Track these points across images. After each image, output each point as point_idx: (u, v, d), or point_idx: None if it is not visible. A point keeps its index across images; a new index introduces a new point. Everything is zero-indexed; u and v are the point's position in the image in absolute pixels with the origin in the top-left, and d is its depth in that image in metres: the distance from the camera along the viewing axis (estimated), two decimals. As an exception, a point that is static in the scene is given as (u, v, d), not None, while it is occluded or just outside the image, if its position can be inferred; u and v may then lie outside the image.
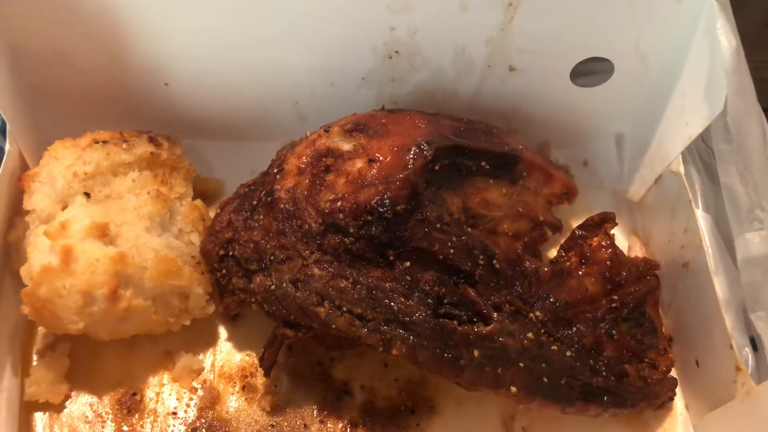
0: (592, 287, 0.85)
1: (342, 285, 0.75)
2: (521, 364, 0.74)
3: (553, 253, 0.94)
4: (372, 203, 0.77)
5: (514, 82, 0.94)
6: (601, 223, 0.89)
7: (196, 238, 0.84)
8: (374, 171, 0.79)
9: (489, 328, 0.74)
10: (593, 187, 1.01)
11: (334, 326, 0.75)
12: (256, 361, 0.85)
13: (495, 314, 0.76)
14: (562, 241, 0.90)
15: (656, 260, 0.91)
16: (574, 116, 1.00)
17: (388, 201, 0.77)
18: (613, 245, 0.87)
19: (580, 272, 0.86)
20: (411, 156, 0.80)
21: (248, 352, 0.86)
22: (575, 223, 0.98)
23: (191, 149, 0.96)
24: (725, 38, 0.76)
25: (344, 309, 0.75)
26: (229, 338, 0.87)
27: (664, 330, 0.89)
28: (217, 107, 0.96)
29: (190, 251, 0.83)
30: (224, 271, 0.82)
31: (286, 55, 0.90)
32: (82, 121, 0.92)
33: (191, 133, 0.97)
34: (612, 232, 0.89)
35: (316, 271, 0.76)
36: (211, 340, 0.86)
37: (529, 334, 0.75)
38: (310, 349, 0.85)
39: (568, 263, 0.87)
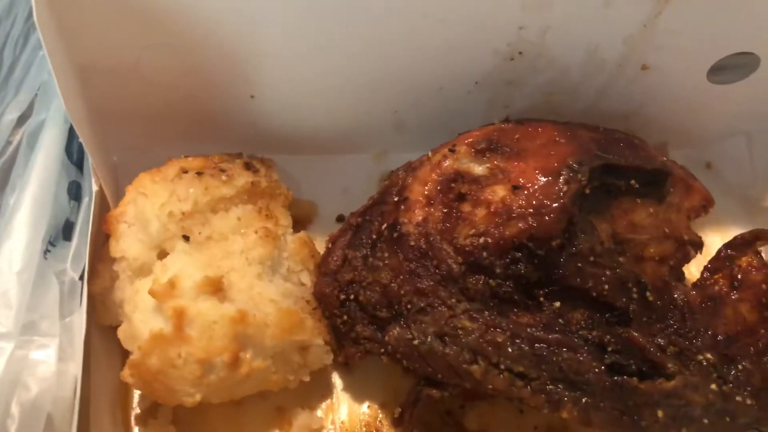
0: (749, 315, 0.75)
1: (499, 340, 0.65)
2: (705, 421, 0.65)
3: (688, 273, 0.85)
4: (523, 239, 0.67)
5: (643, 81, 0.83)
6: (753, 241, 0.80)
7: (306, 278, 0.74)
8: (521, 200, 0.68)
9: (673, 383, 0.65)
10: (719, 192, 0.90)
11: (490, 386, 0.65)
12: (380, 413, 0.75)
13: (670, 364, 0.67)
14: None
15: (806, 277, 0.82)
16: (701, 115, 0.89)
17: (541, 236, 0.67)
18: (766, 265, 0.78)
19: (733, 298, 0.77)
20: (562, 180, 0.69)
21: (369, 403, 0.76)
22: (704, 237, 0.88)
23: (277, 167, 0.85)
24: None
25: (502, 367, 0.65)
26: (346, 388, 0.77)
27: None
28: (307, 119, 0.85)
29: (303, 294, 0.73)
30: (346, 317, 0.71)
31: (393, 60, 0.78)
32: (157, 142, 0.81)
33: (274, 148, 0.86)
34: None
35: (466, 323, 0.66)
36: (326, 392, 0.76)
37: (713, 386, 0.66)
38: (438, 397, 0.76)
39: (716, 287, 0.77)
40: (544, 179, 0.69)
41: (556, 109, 0.86)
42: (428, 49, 0.77)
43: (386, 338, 0.68)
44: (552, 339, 0.65)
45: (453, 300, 0.67)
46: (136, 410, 0.72)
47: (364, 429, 0.74)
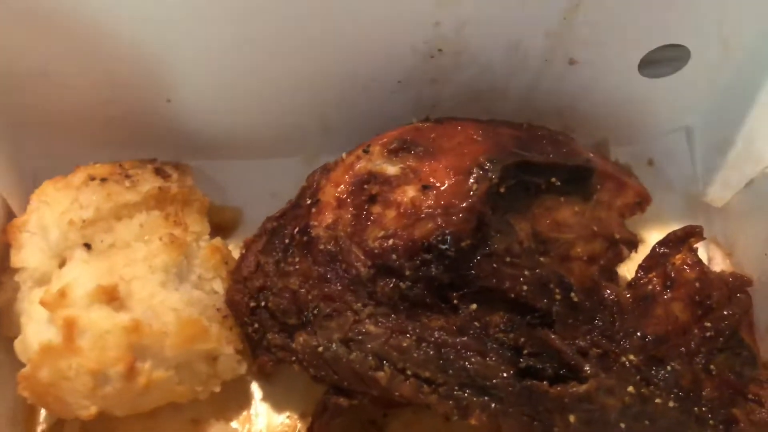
0: (681, 314, 0.73)
1: (404, 344, 0.63)
2: (622, 425, 0.63)
3: (624, 272, 0.82)
4: (431, 240, 0.64)
5: (573, 76, 0.81)
6: (686, 238, 0.77)
7: (219, 286, 0.72)
8: (430, 200, 0.66)
9: (585, 387, 0.62)
10: (661, 189, 0.88)
11: (397, 393, 0.63)
12: (299, 424, 0.73)
13: (587, 366, 0.64)
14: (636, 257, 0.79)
15: (745, 274, 0.79)
16: (638, 110, 0.87)
17: (450, 236, 0.64)
18: (700, 262, 0.75)
19: (666, 297, 0.74)
20: (473, 179, 0.67)
21: (288, 413, 0.74)
22: (645, 234, 0.85)
23: (199, 172, 0.83)
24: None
25: (409, 372, 0.62)
26: (265, 398, 0.74)
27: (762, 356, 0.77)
28: (227, 122, 0.83)
29: (214, 302, 0.70)
30: (256, 325, 0.69)
31: (313, 60, 0.76)
32: (73, 150, 0.79)
33: (197, 153, 0.84)
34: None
35: (371, 327, 0.63)
36: (244, 403, 0.74)
37: (630, 388, 0.64)
38: (361, 406, 0.73)
39: (650, 287, 0.75)
40: (454, 178, 0.67)
41: (488, 108, 0.84)
42: (347, 48, 0.75)
43: (294, 345, 0.66)
44: (459, 342, 0.63)
45: (359, 304, 0.64)
46: (42, 426, 0.70)
47: (281, 439, 0.72)
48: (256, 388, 0.75)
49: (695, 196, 0.87)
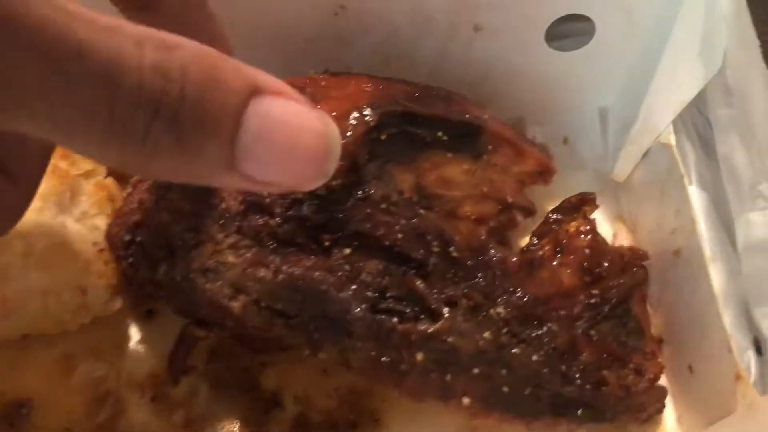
0: (567, 280, 0.72)
1: (261, 274, 0.62)
2: (476, 370, 0.62)
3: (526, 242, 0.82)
4: (301, 177, 0.64)
5: (481, 45, 0.82)
6: (580, 205, 0.77)
7: (102, 222, 0.72)
8: (307, 139, 0.66)
9: (436, 326, 0.61)
10: (574, 167, 0.88)
11: (251, 324, 0.62)
12: (172, 365, 0.72)
13: (446, 310, 0.63)
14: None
15: (644, 249, 0.78)
16: (552, 87, 0.87)
17: (322, 175, 0.64)
18: (593, 231, 0.75)
19: (555, 263, 0.73)
20: (350, 122, 0.67)
21: (164, 355, 0.73)
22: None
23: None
24: (723, -22, 0.63)
25: (263, 303, 0.62)
26: (142, 339, 0.74)
27: (653, 330, 0.76)
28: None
29: (93, 237, 0.70)
30: (131, 260, 0.69)
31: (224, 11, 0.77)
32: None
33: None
34: (593, 217, 0.77)
35: (230, 258, 0.63)
36: (120, 342, 0.73)
37: (486, 334, 0.63)
38: (236, 353, 0.72)
39: (540, 252, 0.74)
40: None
41: (399, 74, 0.84)
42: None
43: (157, 278, 0.66)
44: (317, 276, 0.63)
45: (222, 235, 0.64)
46: None
47: (151, 381, 0.71)
48: (134, 330, 0.74)
49: (605, 174, 0.86)
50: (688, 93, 0.69)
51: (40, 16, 0.32)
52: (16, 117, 0.34)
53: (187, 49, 0.35)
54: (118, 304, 0.70)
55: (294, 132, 0.38)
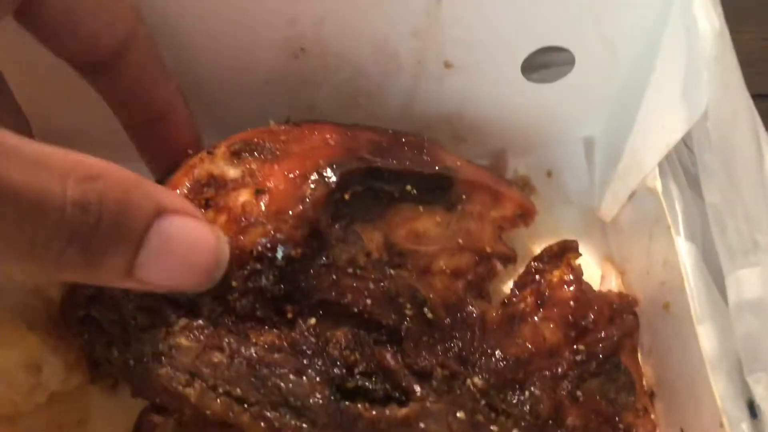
0: (551, 335, 0.68)
1: (216, 360, 0.58)
2: (450, 454, 0.58)
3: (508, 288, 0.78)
4: (259, 248, 0.60)
5: (454, 81, 0.77)
6: (562, 253, 0.73)
7: (56, 294, 0.68)
8: (261, 206, 0.62)
9: (405, 411, 0.57)
10: (559, 202, 0.84)
11: (208, 411, 0.58)
12: (137, 440, 0.69)
13: (417, 388, 0.59)
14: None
15: (635, 295, 0.74)
16: (532, 119, 0.82)
17: (278, 244, 0.60)
18: (577, 280, 0.71)
19: (537, 317, 0.69)
20: (310, 184, 0.63)
21: (127, 428, 0.69)
22: (539, 249, 0.81)
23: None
24: (705, 18, 0.58)
25: (220, 390, 0.58)
26: (107, 414, 0.70)
27: (644, 382, 0.72)
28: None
29: (48, 310, 0.67)
30: (86, 336, 0.66)
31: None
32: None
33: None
34: (578, 262, 0.72)
35: (182, 341, 0.59)
36: (84, 416, 0.70)
37: (460, 414, 0.59)
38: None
39: (522, 305, 0.70)
40: (290, 183, 0.63)
41: (370, 114, 0.80)
42: (215, 44, 0.72)
43: (110, 360, 0.62)
44: (275, 360, 0.59)
45: (174, 316, 0.60)
46: None
47: (115, 458, 0.68)
48: (98, 401, 0.71)
49: (592, 210, 0.82)
50: (673, 136, 0.65)
51: None
52: None
53: (107, 179, 0.42)
54: (76, 379, 0.67)
55: (189, 247, 0.49)
